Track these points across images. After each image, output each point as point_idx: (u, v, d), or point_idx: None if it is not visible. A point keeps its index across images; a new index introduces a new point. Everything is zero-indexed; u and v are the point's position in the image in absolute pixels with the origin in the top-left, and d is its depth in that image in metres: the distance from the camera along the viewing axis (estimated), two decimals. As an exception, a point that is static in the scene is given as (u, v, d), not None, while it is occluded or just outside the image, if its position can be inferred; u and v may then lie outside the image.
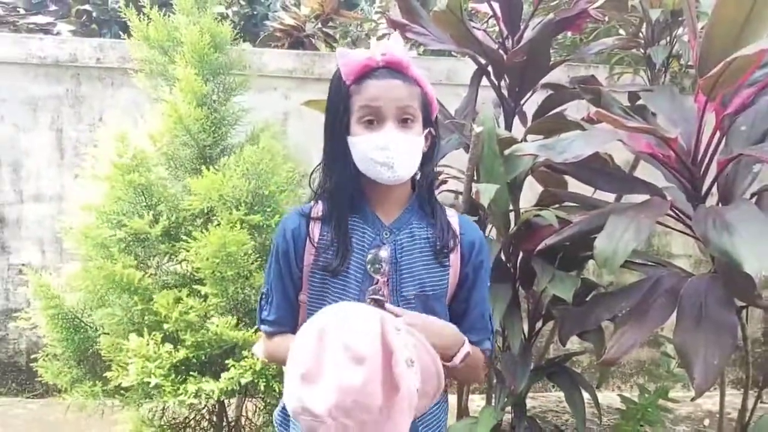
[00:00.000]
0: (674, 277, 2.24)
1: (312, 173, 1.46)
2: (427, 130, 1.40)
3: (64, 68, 3.80)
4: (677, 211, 2.27)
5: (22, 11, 4.51)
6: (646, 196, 2.26)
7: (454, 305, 1.46)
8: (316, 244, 1.39)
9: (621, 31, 3.93)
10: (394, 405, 1.08)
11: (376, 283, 1.37)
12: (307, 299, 1.41)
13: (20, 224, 3.85)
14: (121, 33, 3.79)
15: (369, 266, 1.37)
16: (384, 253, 1.38)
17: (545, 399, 4.02)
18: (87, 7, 4.44)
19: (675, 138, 2.07)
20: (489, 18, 4.19)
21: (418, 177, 1.44)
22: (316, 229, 1.40)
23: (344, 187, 1.38)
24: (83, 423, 2.56)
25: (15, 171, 3.81)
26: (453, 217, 1.47)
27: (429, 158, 1.44)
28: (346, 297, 1.36)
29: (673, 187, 2.36)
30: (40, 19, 4.35)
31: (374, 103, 1.31)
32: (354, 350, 1.06)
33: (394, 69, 1.34)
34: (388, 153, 1.31)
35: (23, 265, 3.81)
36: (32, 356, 2.70)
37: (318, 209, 1.42)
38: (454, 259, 1.42)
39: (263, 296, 1.48)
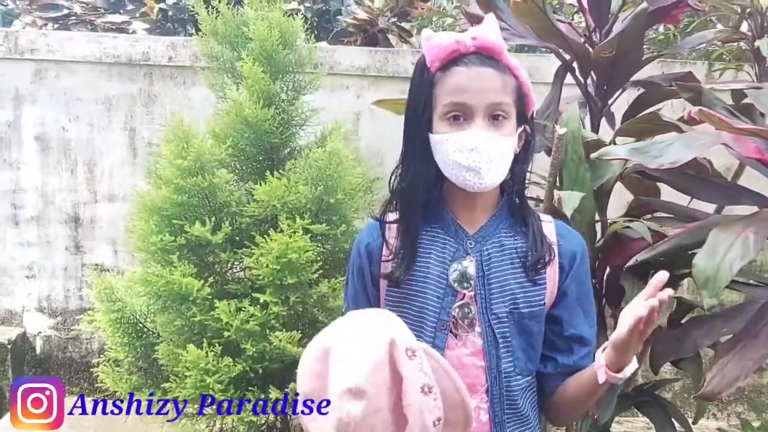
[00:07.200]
0: (786, 300, 1.98)
1: (392, 174, 1.30)
2: (521, 128, 1.23)
3: (137, 67, 3.79)
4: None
5: (101, 10, 4.56)
6: (753, 208, 2.00)
7: (551, 324, 1.28)
8: (390, 251, 1.26)
9: (719, 25, 3.62)
10: None
11: (462, 299, 1.22)
12: None
13: (94, 224, 3.87)
14: (193, 31, 3.76)
15: (456, 283, 1.22)
16: (470, 265, 1.22)
17: (631, 425, 3.69)
18: (162, 5, 4.44)
19: (791, 143, 1.82)
20: (575, 12, 3.98)
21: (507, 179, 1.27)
22: (391, 235, 1.26)
23: (419, 190, 1.23)
24: (153, 428, 2.51)
25: (90, 170, 3.83)
26: (549, 224, 1.29)
27: (521, 159, 1.27)
28: (425, 316, 1.22)
29: (785, 198, 2.09)
30: (117, 17, 4.39)
31: (461, 95, 1.17)
32: (354, 381, 0.95)
33: (485, 56, 1.19)
34: (475, 156, 1.16)
35: (96, 265, 3.83)
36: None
37: (393, 214, 1.28)
38: (551, 273, 1.26)
39: None
